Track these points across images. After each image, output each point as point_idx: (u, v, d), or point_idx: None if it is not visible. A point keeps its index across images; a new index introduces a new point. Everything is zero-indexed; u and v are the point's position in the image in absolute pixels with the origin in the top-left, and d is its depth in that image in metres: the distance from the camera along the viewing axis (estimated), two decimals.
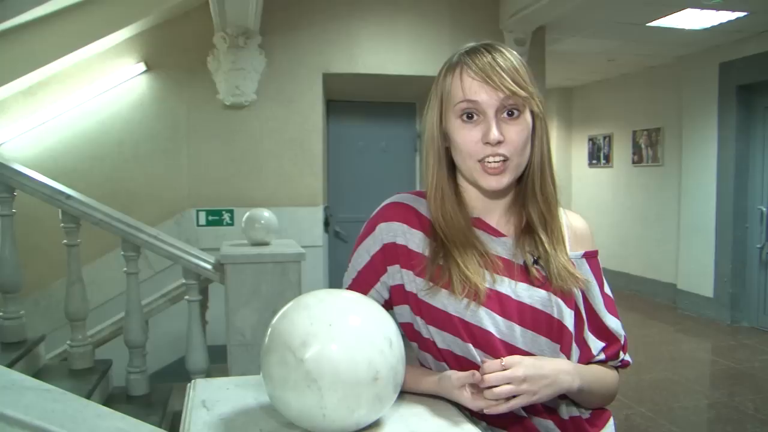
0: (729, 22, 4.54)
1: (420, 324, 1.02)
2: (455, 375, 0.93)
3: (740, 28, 4.78)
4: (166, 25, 4.05)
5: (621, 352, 1.07)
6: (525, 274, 1.01)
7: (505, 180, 0.97)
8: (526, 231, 1.03)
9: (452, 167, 1.05)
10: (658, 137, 6.37)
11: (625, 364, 1.09)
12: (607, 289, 1.08)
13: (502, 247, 1.03)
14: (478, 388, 0.90)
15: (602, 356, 1.04)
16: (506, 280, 1.00)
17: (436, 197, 1.03)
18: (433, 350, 1.02)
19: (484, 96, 0.95)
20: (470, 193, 1.06)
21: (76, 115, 3.94)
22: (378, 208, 1.09)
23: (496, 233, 1.04)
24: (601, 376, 1.03)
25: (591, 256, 1.07)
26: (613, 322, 1.05)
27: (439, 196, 1.03)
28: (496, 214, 1.06)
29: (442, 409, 0.94)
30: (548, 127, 1.04)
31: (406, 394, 0.99)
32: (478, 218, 1.05)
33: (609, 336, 1.05)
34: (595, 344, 1.04)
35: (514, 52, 0.99)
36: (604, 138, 7.28)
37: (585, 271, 1.04)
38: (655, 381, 3.96)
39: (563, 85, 7.70)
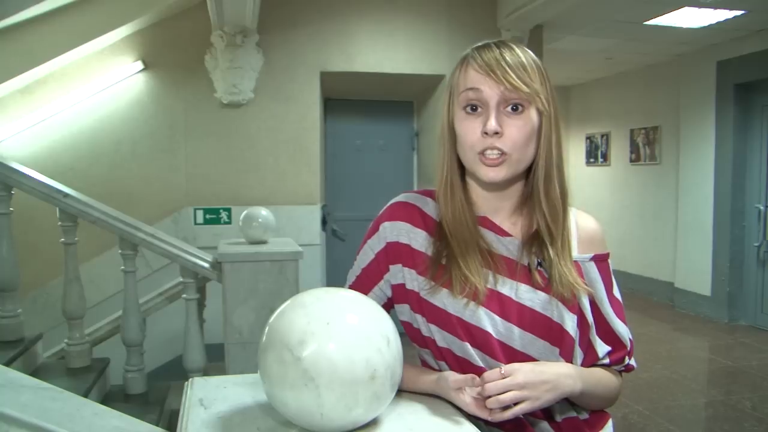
0: (727, 20, 4.54)
1: (420, 322, 1.02)
2: (452, 377, 0.92)
3: (738, 27, 4.78)
4: (164, 23, 4.04)
5: (626, 357, 1.06)
6: (528, 276, 0.99)
7: (502, 173, 0.96)
8: (535, 235, 1.02)
9: (462, 164, 1.04)
10: (656, 136, 6.37)
11: (629, 369, 1.08)
12: (616, 293, 1.06)
13: (507, 247, 1.02)
14: (481, 396, 0.89)
15: (607, 360, 1.03)
16: (508, 281, 0.99)
17: (446, 192, 1.03)
18: (433, 349, 1.02)
19: (487, 88, 0.94)
20: (477, 192, 1.05)
21: (74, 114, 3.93)
22: (384, 207, 1.09)
23: (502, 233, 1.03)
24: (603, 379, 1.02)
25: (600, 259, 1.05)
26: (621, 327, 1.04)
27: (449, 191, 1.03)
28: (502, 214, 1.05)
29: (440, 408, 0.94)
30: (560, 130, 1.00)
31: (404, 392, 0.99)
32: (484, 217, 1.04)
33: (615, 340, 1.04)
34: (602, 348, 1.03)
35: (529, 52, 0.98)
36: (602, 136, 7.28)
37: (593, 274, 1.03)
38: (652, 379, 3.97)
39: (561, 84, 7.69)
